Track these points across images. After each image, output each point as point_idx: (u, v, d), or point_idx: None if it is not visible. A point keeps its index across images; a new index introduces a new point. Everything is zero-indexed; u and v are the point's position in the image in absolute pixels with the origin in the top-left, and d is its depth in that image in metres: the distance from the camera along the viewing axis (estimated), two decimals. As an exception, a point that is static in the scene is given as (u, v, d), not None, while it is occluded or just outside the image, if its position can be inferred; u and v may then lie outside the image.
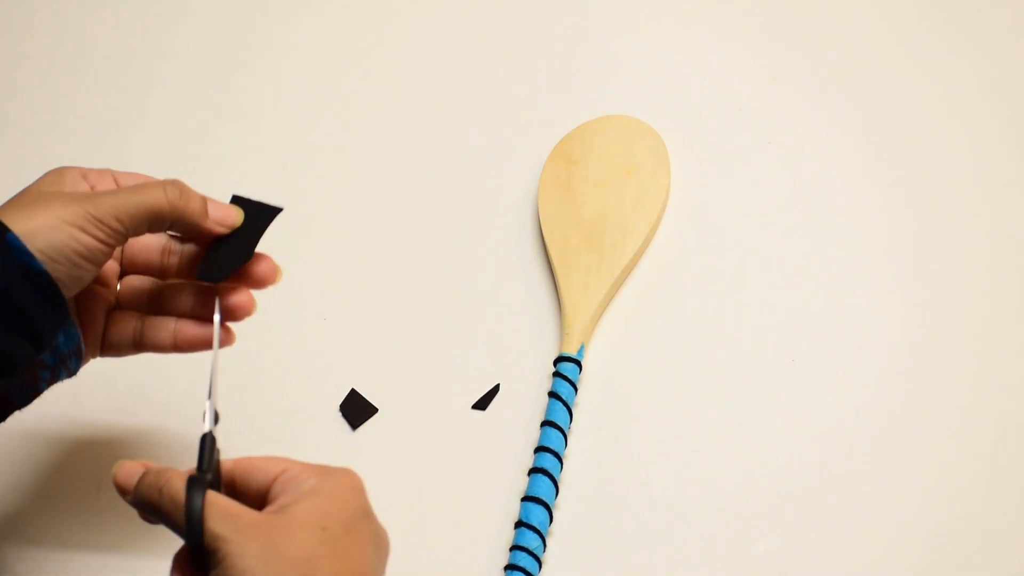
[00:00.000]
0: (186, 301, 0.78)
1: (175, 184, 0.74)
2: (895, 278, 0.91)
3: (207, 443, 0.69)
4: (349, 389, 0.89)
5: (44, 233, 0.70)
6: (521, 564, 0.80)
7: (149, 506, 0.68)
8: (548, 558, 0.82)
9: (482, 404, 0.88)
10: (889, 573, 0.81)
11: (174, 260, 0.78)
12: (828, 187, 0.95)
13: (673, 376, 0.88)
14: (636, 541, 0.83)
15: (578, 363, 0.87)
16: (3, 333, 0.70)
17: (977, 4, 1.02)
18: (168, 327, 0.78)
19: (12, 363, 0.70)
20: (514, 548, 0.81)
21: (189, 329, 0.78)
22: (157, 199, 0.73)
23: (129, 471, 0.69)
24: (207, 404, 0.72)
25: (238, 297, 0.77)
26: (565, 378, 0.86)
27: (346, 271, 0.94)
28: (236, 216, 0.77)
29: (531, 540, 0.81)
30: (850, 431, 0.85)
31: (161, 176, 0.76)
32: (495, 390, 0.88)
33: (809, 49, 1.01)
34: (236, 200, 0.77)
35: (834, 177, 0.95)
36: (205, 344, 0.78)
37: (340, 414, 0.88)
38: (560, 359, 0.87)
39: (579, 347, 0.88)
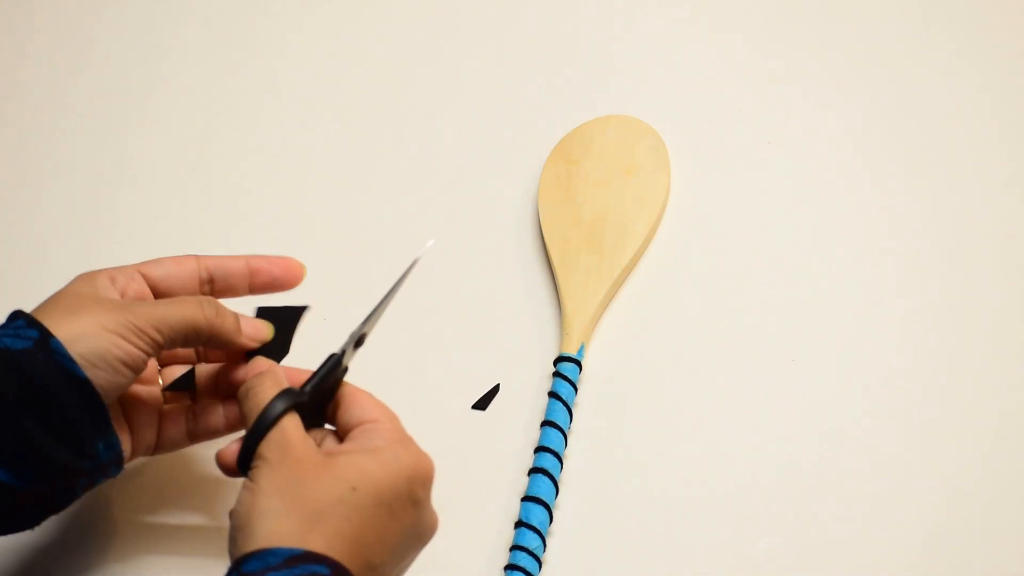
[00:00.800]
0: (230, 386, 0.79)
1: (211, 302, 0.76)
2: (895, 278, 0.91)
3: (328, 363, 0.72)
4: (349, 389, 0.89)
5: (87, 339, 0.71)
6: (521, 564, 0.80)
7: (240, 403, 0.72)
8: (548, 558, 0.82)
9: (482, 404, 0.88)
10: (889, 573, 0.81)
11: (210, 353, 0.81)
12: (828, 187, 0.95)
13: (673, 376, 0.88)
14: (636, 541, 0.83)
15: (578, 363, 0.87)
16: (48, 438, 0.70)
17: (977, 4, 1.02)
18: (218, 411, 0.79)
19: (53, 469, 0.71)
20: (514, 548, 0.81)
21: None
22: (195, 315, 0.75)
23: (254, 367, 0.75)
24: (357, 325, 0.74)
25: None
26: (565, 378, 0.86)
27: (346, 271, 0.94)
28: (267, 331, 0.78)
29: (531, 540, 0.81)
30: (850, 431, 0.85)
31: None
32: (495, 390, 0.88)
33: (809, 49, 1.01)
34: (261, 312, 0.79)
35: (834, 177, 0.95)
36: None
37: (340, 414, 0.88)
38: (560, 359, 0.87)
39: (579, 347, 0.88)
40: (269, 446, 0.68)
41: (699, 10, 1.03)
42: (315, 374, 0.72)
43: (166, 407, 0.79)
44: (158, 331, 0.73)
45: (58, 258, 0.96)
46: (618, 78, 1.01)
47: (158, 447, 0.79)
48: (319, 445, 0.71)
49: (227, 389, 0.79)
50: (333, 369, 0.72)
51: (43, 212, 0.98)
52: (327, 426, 0.73)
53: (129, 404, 0.77)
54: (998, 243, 0.92)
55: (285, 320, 0.79)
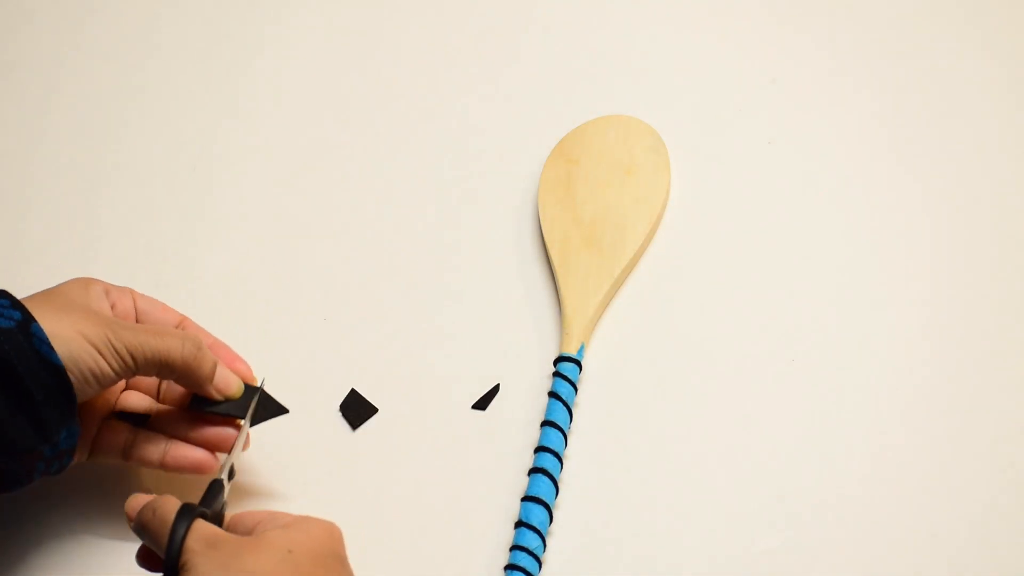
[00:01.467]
0: (180, 427, 0.81)
1: (194, 342, 0.77)
2: (895, 278, 0.91)
3: (214, 487, 0.73)
4: (349, 389, 0.89)
5: (66, 341, 0.73)
6: (521, 564, 0.80)
7: (142, 527, 0.71)
8: (548, 558, 0.82)
9: (482, 404, 0.88)
10: (889, 572, 0.81)
11: (173, 389, 0.82)
12: (828, 187, 0.95)
13: (673, 376, 0.88)
14: (636, 541, 0.83)
15: (578, 363, 0.87)
16: (15, 416, 0.72)
17: (978, 4, 1.02)
18: (159, 446, 0.80)
19: (14, 447, 0.72)
20: (514, 548, 0.81)
21: (180, 451, 0.80)
22: (173, 352, 0.76)
23: (137, 502, 0.73)
24: (226, 458, 0.76)
25: (226, 430, 0.81)
26: (565, 378, 0.86)
27: (346, 271, 0.94)
28: (236, 388, 0.80)
29: (531, 540, 0.81)
30: (849, 431, 0.85)
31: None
32: (495, 390, 0.88)
33: (809, 49, 1.01)
34: (255, 389, 0.82)
35: (834, 177, 0.95)
36: (193, 467, 0.80)
37: (340, 414, 0.88)
38: (560, 359, 0.87)
39: (579, 347, 0.88)
40: (194, 543, 0.68)
41: (699, 9, 1.03)
42: (204, 498, 0.73)
43: (110, 420, 0.81)
44: (132, 357, 0.75)
45: (57, 256, 0.96)
46: (618, 78, 1.01)
47: (93, 451, 0.81)
48: None
49: (175, 429, 0.81)
50: (219, 492, 0.74)
51: (42, 210, 0.98)
52: None
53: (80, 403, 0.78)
54: (1002, 242, 0.92)
55: (265, 406, 0.82)
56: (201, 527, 0.69)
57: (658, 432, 0.86)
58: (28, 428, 0.73)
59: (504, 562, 0.82)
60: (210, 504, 0.73)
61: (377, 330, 0.92)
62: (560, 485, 0.84)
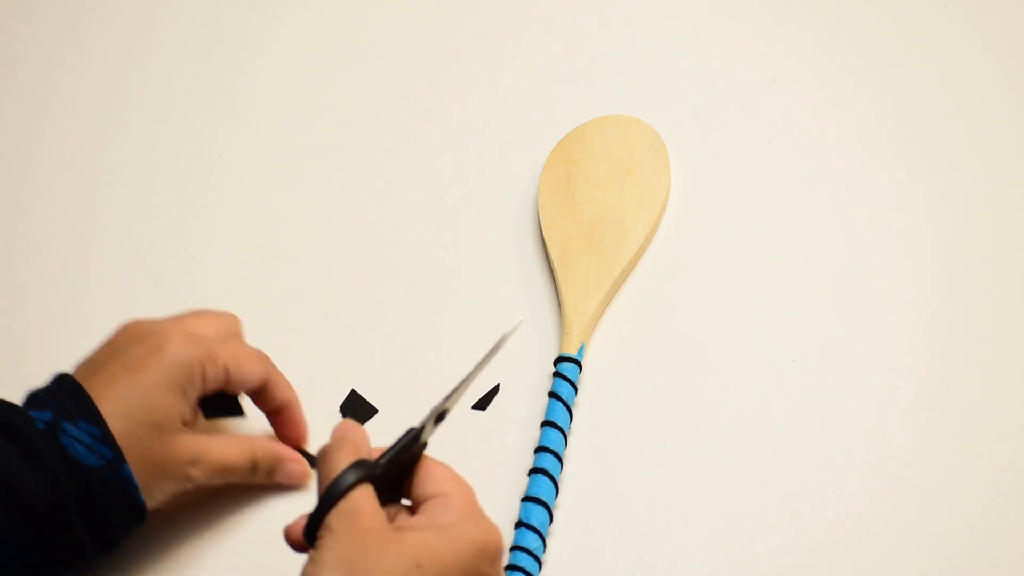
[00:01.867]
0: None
1: (263, 471, 0.82)
2: (895, 278, 0.91)
3: (405, 437, 0.70)
4: (349, 389, 0.89)
5: (147, 480, 0.75)
6: (521, 564, 0.80)
7: (317, 467, 0.70)
8: (548, 558, 0.82)
9: (482, 404, 0.88)
10: (889, 572, 0.81)
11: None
12: (828, 187, 0.95)
13: (673, 376, 0.88)
14: (636, 541, 0.83)
15: (578, 363, 0.87)
16: (90, 540, 0.74)
17: (979, 5, 1.02)
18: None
19: (84, 560, 0.74)
20: (514, 548, 0.81)
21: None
22: (236, 461, 0.80)
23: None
24: (439, 400, 0.72)
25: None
26: (565, 378, 0.86)
27: (346, 271, 0.94)
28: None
29: (531, 540, 0.81)
30: (850, 431, 0.85)
31: None
32: (495, 390, 0.88)
33: (809, 49, 1.01)
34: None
35: (834, 177, 0.95)
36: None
37: (340, 414, 0.88)
38: (560, 359, 0.87)
39: (579, 347, 0.88)
40: (337, 517, 0.67)
41: (699, 10, 1.04)
42: (391, 447, 0.70)
43: None
44: (207, 475, 0.79)
45: (57, 256, 0.96)
46: (618, 78, 1.01)
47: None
48: (391, 520, 0.70)
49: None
50: (411, 444, 0.70)
51: (42, 210, 0.98)
52: (403, 501, 0.72)
53: None
54: (1002, 242, 0.92)
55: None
56: (356, 498, 0.67)
57: (658, 432, 0.86)
58: (100, 547, 0.75)
59: (504, 562, 0.82)
60: (395, 455, 0.69)
61: (377, 330, 0.92)
62: (560, 485, 0.84)
